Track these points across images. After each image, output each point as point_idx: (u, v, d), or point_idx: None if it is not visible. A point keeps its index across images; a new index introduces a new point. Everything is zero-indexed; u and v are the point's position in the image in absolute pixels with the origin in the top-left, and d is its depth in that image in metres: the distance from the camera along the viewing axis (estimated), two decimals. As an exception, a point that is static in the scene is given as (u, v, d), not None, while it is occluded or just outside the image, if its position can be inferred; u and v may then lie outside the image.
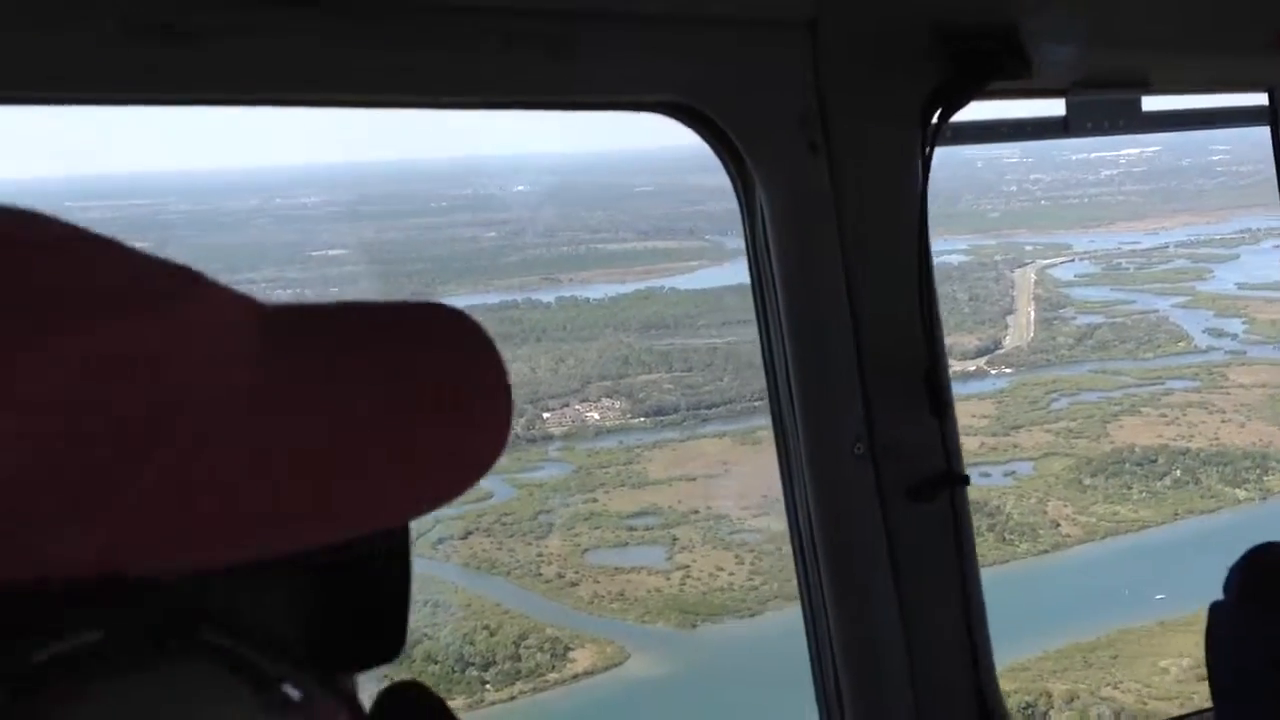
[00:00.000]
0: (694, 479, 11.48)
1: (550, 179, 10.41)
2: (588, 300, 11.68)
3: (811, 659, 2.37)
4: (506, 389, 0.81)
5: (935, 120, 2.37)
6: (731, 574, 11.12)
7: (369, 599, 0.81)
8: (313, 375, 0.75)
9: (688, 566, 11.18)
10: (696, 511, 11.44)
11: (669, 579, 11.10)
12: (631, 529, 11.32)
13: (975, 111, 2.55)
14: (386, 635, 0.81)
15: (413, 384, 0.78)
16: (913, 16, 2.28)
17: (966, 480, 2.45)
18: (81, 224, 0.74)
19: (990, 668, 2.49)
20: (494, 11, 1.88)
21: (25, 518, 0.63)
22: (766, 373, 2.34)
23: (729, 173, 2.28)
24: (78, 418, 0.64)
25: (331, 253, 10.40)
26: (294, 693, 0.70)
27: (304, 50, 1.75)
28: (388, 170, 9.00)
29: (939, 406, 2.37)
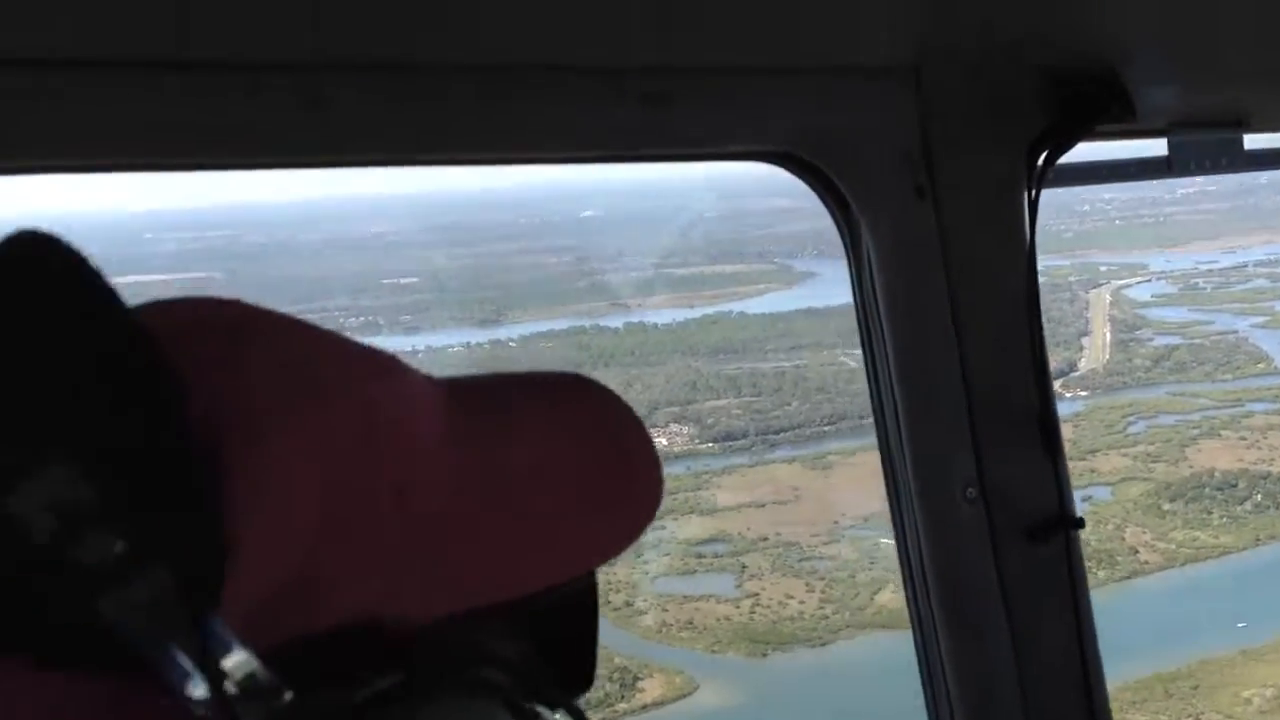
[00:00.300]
0: (763, 505, 11.43)
1: (617, 204, 10.44)
2: (655, 325, 11.69)
3: (926, 699, 2.37)
4: (652, 445, 0.91)
5: (1040, 163, 2.35)
6: (802, 602, 11.05)
7: (569, 636, 0.90)
8: (497, 441, 0.83)
9: (757, 595, 11.12)
10: (766, 538, 11.37)
11: (738, 607, 11.05)
12: (700, 556, 11.28)
13: (1074, 151, 2.53)
14: (584, 668, 0.91)
15: (581, 445, 0.88)
16: (1015, 61, 2.27)
17: (1081, 523, 2.43)
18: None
19: (1106, 708, 2.48)
20: (598, 71, 1.89)
21: (314, 575, 0.72)
22: (875, 416, 2.35)
23: (834, 218, 2.27)
24: (350, 482, 0.73)
25: (403, 281, 10.51)
26: None
27: (418, 112, 1.77)
28: (456, 198, 9.09)
29: (1051, 448, 2.36)
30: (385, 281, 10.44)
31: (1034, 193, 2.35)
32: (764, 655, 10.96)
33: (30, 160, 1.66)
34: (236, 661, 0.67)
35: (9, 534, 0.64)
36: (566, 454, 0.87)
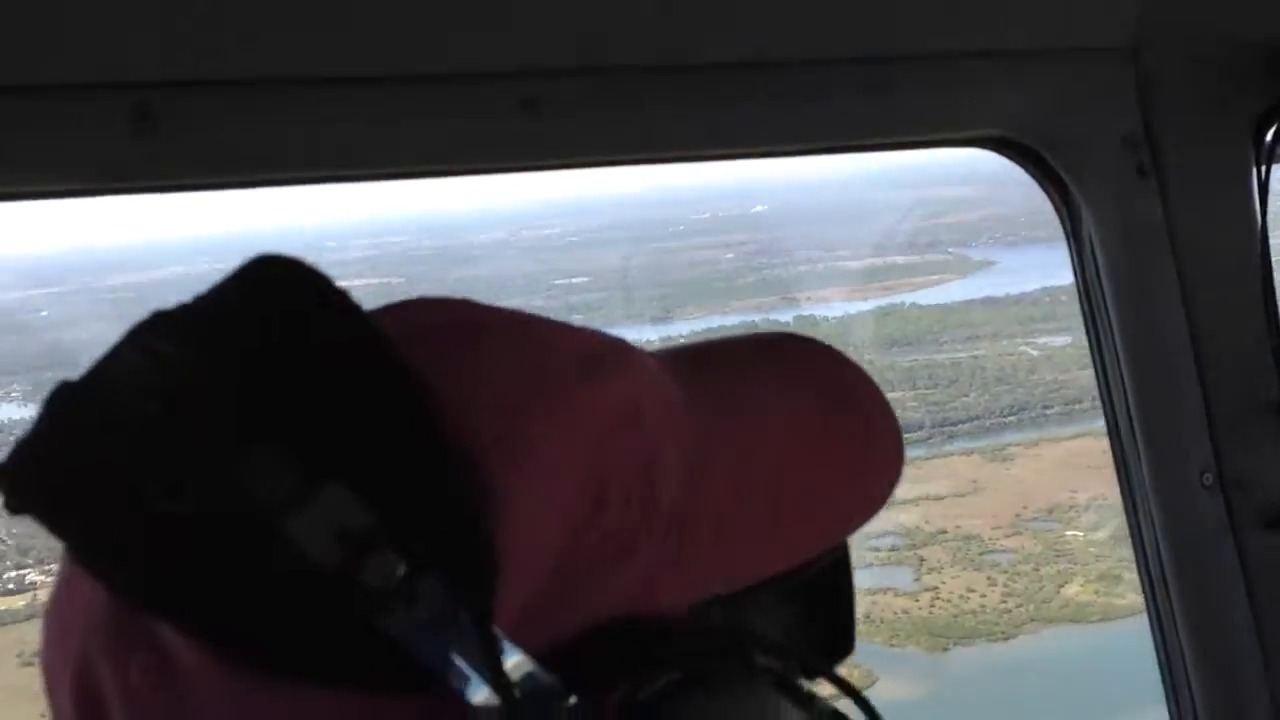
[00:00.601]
0: (941, 498, 11.23)
1: (787, 198, 10.39)
2: (826, 318, 11.59)
3: (1167, 692, 2.32)
4: (886, 402, 0.88)
5: (1269, 139, 2.27)
6: (983, 596, 10.81)
7: (827, 607, 0.89)
8: (733, 413, 0.81)
9: (936, 588, 10.93)
10: (944, 531, 11.17)
11: (917, 601, 10.88)
12: (876, 550, 11.14)
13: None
14: (844, 633, 0.90)
15: (816, 409, 0.85)
16: (1237, 35, 2.21)
17: None
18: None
19: None
20: (817, 63, 1.90)
21: (572, 574, 0.71)
22: (1104, 404, 2.30)
23: (1053, 202, 2.24)
24: (599, 477, 0.72)
25: (574, 280, 10.65)
26: (827, 706, 0.78)
27: (631, 112, 1.81)
28: (627, 197, 9.18)
29: None
30: (558, 282, 10.59)
31: (1263, 170, 2.28)
32: (944, 649, 10.76)
33: (268, 174, 1.74)
34: (516, 664, 0.67)
35: (290, 559, 0.64)
36: (803, 420, 0.85)
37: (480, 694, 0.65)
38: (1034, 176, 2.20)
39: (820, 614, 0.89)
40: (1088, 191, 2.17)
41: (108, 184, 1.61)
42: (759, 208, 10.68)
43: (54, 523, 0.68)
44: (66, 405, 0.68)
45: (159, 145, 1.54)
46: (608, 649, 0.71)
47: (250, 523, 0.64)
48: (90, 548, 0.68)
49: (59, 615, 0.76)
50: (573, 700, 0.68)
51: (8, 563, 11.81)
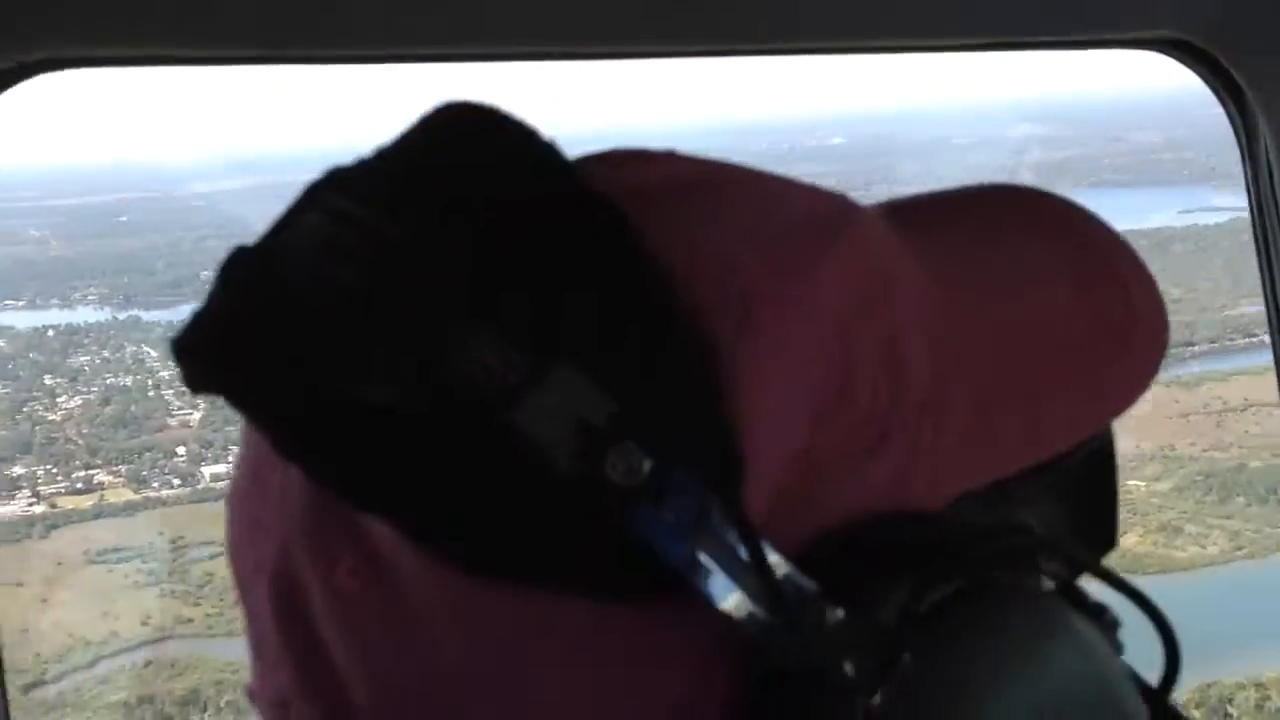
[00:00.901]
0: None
1: (866, 130, 10.26)
2: (898, 256, 11.46)
3: None
4: (1146, 269, 0.76)
5: None
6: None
7: (1092, 500, 0.79)
8: (969, 277, 0.70)
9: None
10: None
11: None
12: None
13: None
14: (1108, 528, 0.80)
15: (1073, 275, 0.73)
16: None
17: None
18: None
19: None
20: None
21: (817, 468, 0.62)
22: (1271, 328, 2.22)
23: (1228, 113, 2.15)
24: (843, 353, 0.63)
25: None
26: (1113, 615, 0.67)
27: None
28: (699, 127, 9.09)
29: None
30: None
31: None
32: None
33: (414, 49, 1.70)
34: (773, 565, 0.59)
35: (521, 453, 0.57)
36: (1056, 287, 0.73)
37: (731, 599, 0.58)
38: (1208, 83, 2.12)
39: (1085, 508, 0.79)
40: (1267, 100, 2.09)
41: (255, 51, 1.59)
42: (837, 140, 10.54)
43: (244, 403, 0.60)
44: (245, 272, 0.61)
45: (310, 14, 1.51)
46: (869, 553, 0.62)
47: (472, 410, 0.57)
48: (286, 432, 0.60)
49: (248, 511, 0.67)
50: (841, 615, 0.59)
51: (76, 463, 11.99)
